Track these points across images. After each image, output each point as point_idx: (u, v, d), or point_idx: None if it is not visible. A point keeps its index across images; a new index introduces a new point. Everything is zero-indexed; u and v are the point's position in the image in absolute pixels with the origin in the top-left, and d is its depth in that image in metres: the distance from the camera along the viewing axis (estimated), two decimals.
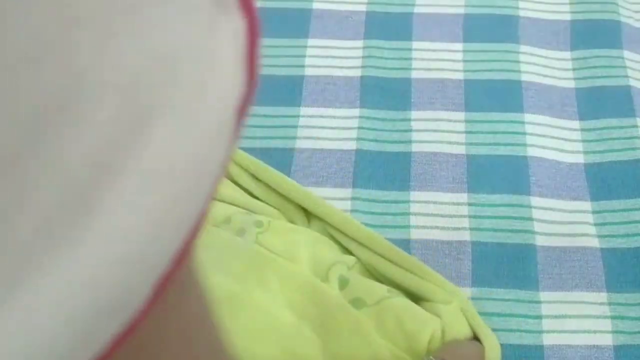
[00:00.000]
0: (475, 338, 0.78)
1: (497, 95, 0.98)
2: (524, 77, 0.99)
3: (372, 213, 0.87)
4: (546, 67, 1.01)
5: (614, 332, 0.80)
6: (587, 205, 0.89)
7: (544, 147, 0.93)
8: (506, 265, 0.84)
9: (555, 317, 0.81)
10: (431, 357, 0.72)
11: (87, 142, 0.18)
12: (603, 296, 0.82)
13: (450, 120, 0.95)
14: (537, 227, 0.87)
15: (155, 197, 0.20)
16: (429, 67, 1.00)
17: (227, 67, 0.23)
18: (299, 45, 1.02)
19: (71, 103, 0.17)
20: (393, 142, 0.93)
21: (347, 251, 0.83)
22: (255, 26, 0.24)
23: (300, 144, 0.93)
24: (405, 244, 0.85)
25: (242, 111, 0.26)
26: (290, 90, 0.98)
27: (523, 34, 1.04)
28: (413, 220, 0.87)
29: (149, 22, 0.19)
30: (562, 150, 0.93)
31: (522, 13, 1.07)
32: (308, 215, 0.85)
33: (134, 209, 0.19)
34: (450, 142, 0.93)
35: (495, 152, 0.92)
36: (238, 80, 0.24)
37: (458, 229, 0.86)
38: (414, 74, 0.99)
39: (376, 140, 0.93)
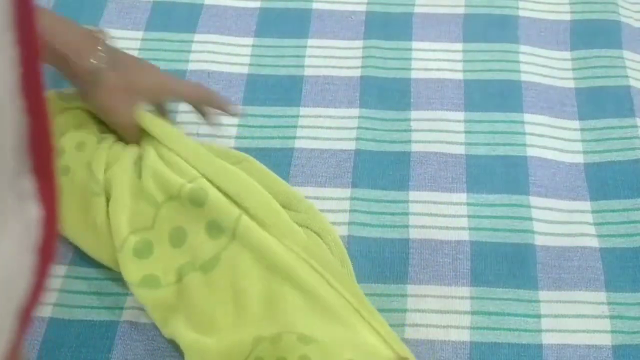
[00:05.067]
0: None
1: (496, 95, 0.98)
2: (524, 77, 0.99)
3: (371, 213, 0.87)
4: (546, 67, 1.01)
5: (613, 331, 0.80)
6: (586, 205, 0.89)
7: (543, 147, 0.93)
8: (505, 264, 0.84)
9: (554, 316, 0.81)
10: None
11: None
12: (602, 296, 0.82)
13: (449, 120, 0.95)
14: (536, 226, 0.87)
15: None
16: (429, 67, 1.00)
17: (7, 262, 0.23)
18: (299, 45, 1.03)
19: None
20: (392, 142, 0.93)
21: None
22: (54, 219, 0.24)
23: (299, 143, 0.93)
24: (404, 244, 0.85)
25: (27, 312, 0.25)
26: (290, 90, 0.98)
27: (523, 34, 1.04)
28: (412, 220, 0.87)
29: None
30: (561, 150, 0.93)
31: (522, 13, 1.07)
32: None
33: None
34: (449, 142, 0.93)
35: (494, 152, 0.93)
36: (22, 279, 0.24)
37: (457, 228, 0.86)
38: (414, 74, 1.00)
39: (375, 140, 0.93)
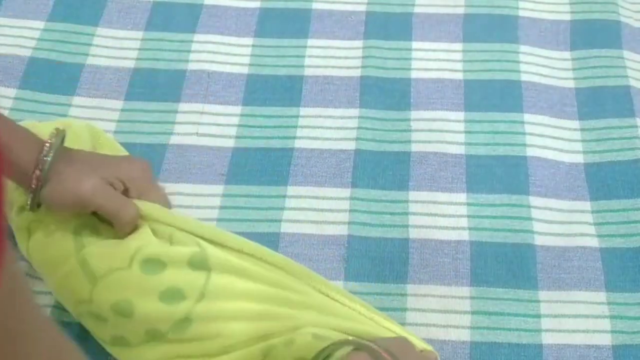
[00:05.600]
0: None
1: (496, 95, 0.98)
2: (524, 77, 0.99)
3: (371, 213, 0.87)
4: (546, 67, 1.01)
5: (613, 331, 0.80)
6: (586, 205, 0.89)
7: (543, 147, 0.93)
8: (505, 264, 0.84)
9: (554, 316, 0.81)
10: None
11: None
12: (602, 296, 0.82)
13: (449, 120, 0.95)
14: (536, 226, 0.87)
15: None
16: (429, 67, 1.00)
17: None
18: (299, 46, 1.03)
19: None
20: (392, 142, 0.93)
21: None
22: None
23: (299, 143, 0.93)
24: (404, 244, 0.85)
25: None
26: (290, 90, 0.98)
27: (523, 34, 1.04)
28: (412, 220, 0.87)
29: None
30: (561, 150, 0.93)
31: (522, 13, 1.07)
32: None
33: None
34: (449, 142, 0.93)
35: (494, 152, 0.93)
36: None
37: (457, 228, 0.86)
38: (414, 74, 1.00)
39: (375, 140, 0.93)
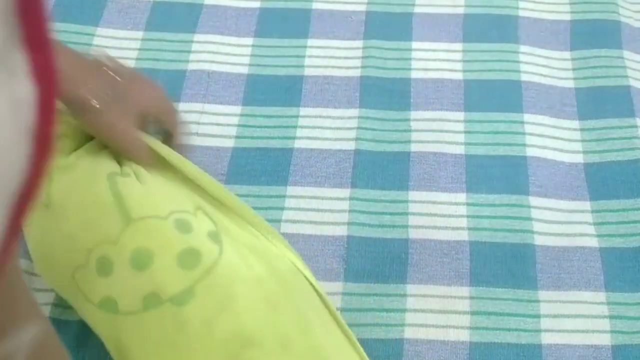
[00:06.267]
0: None
1: (496, 95, 0.98)
2: (524, 77, 0.99)
3: (371, 213, 0.87)
4: (546, 67, 1.01)
5: (612, 331, 0.80)
6: (586, 205, 0.89)
7: (543, 147, 0.93)
8: (505, 264, 0.84)
9: (554, 316, 0.81)
10: None
11: None
12: (602, 296, 0.82)
13: (449, 120, 0.95)
14: (536, 226, 0.87)
15: None
16: (429, 67, 1.00)
17: None
18: (298, 46, 1.03)
19: None
20: (392, 142, 0.93)
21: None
22: (49, 98, 0.22)
23: (299, 143, 0.93)
24: (404, 244, 0.85)
25: (22, 206, 0.23)
26: (290, 90, 0.98)
27: (523, 34, 1.04)
28: (412, 220, 0.87)
29: None
30: (561, 150, 0.93)
31: (522, 13, 1.07)
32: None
33: None
34: (449, 142, 0.93)
35: (494, 152, 0.93)
36: (14, 167, 0.22)
37: (456, 228, 0.86)
38: (414, 74, 1.00)
39: (375, 140, 0.93)
